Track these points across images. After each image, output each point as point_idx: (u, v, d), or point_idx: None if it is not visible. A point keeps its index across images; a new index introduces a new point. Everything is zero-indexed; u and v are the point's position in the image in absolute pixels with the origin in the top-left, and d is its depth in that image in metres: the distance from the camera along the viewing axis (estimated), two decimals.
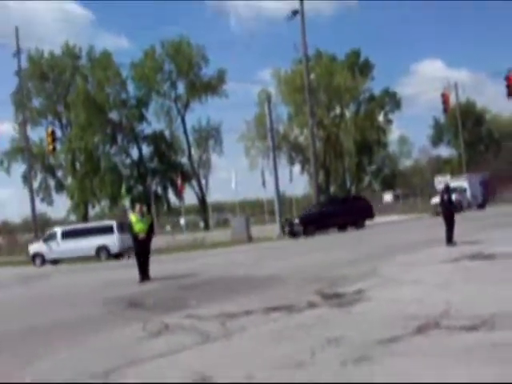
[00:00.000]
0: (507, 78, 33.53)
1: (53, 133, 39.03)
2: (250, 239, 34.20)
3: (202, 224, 72.62)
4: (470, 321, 6.91)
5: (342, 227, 34.47)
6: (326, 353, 6.16)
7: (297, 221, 34.85)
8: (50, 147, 38.64)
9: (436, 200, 41.51)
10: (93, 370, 6.39)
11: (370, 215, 37.26)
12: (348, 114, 76.95)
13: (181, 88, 71.29)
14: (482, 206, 46.50)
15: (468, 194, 46.17)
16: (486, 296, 8.61)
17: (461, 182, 46.64)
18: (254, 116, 71.90)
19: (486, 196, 48.35)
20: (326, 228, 34.51)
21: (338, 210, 34.97)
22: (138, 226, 16.01)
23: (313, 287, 11.13)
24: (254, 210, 61.14)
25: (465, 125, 67.97)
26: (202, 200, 71.65)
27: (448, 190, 19.24)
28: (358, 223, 35.08)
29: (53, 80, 68.35)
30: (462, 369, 5.21)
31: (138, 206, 17.15)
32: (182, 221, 65.38)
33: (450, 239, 17.36)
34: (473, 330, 6.57)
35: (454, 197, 38.25)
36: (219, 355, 6.66)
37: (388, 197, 71.96)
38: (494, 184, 52.09)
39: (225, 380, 5.55)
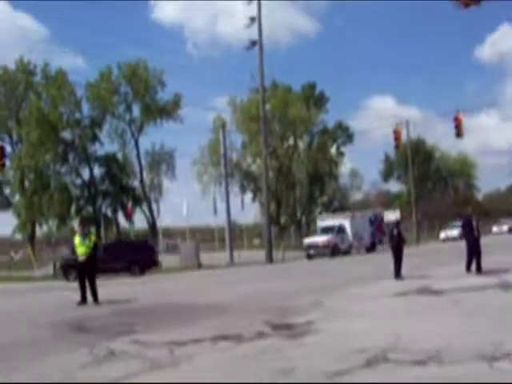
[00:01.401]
0: (455, 119, 34.43)
1: (2, 149, 38.14)
2: (199, 266, 34.01)
3: None
4: (419, 355, 6.96)
5: (118, 272, 30.19)
6: None
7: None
8: None
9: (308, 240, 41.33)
10: None
11: (153, 263, 32.41)
12: (301, 145, 77.81)
13: (136, 111, 70.91)
14: (371, 248, 42.28)
15: (349, 234, 40.74)
16: (434, 330, 8.70)
17: (339, 221, 41.73)
18: (208, 142, 72.04)
19: (378, 237, 43.45)
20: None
21: (118, 254, 30.68)
22: (80, 249, 15.79)
23: (262, 317, 11.07)
24: (204, 237, 60.67)
25: (414, 161, 69.36)
26: (153, 224, 70.95)
27: (398, 224, 19.51)
28: (134, 270, 30.60)
29: (4, 94, 67.08)
30: None
31: (79, 227, 16.96)
32: None
33: (398, 273, 17.57)
34: (421, 364, 6.62)
35: (324, 238, 38.59)
36: (167, 382, 6.54)
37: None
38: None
39: None
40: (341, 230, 39.98)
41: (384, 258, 29.27)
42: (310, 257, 38.06)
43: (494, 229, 66.26)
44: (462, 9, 12.89)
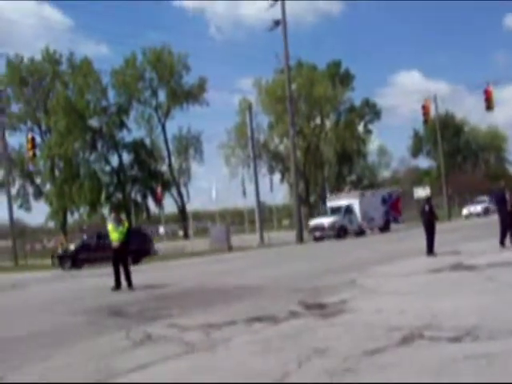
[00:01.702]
0: (485, 92, 33.91)
1: (33, 139, 38.72)
2: (230, 248, 34.16)
3: (181, 233, 72.36)
4: (454, 331, 6.94)
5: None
6: (312, 364, 6.15)
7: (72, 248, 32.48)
8: (30, 153, 38.39)
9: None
10: (77, 381, 6.32)
11: (147, 251, 31.80)
12: (328, 123, 77.39)
13: (162, 96, 71.29)
14: (384, 228, 40.15)
15: (358, 214, 38.59)
16: (468, 307, 8.65)
17: (347, 201, 39.65)
18: (234, 125, 72.05)
19: (393, 216, 41.67)
20: (94, 262, 29.44)
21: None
22: (113, 235, 16.01)
23: (295, 297, 11.13)
24: (233, 219, 60.95)
25: (444, 136, 68.54)
26: (182, 208, 71.44)
27: (429, 200, 19.35)
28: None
29: (32, 85, 67.84)
30: (446, 380, 5.22)
31: (113, 214, 17.19)
32: (162, 229, 65.07)
33: (430, 250, 17.46)
34: (456, 340, 6.60)
35: (330, 219, 36.80)
36: (205, 366, 6.60)
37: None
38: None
39: None
40: (348, 210, 38.10)
41: (403, 236, 29.15)
42: (316, 239, 37.03)
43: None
44: None
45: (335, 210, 38.72)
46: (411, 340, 6.81)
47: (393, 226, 40.96)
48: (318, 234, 37.21)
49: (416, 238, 19.58)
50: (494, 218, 19.23)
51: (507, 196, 18.01)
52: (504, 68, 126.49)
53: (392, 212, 41.41)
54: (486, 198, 54.43)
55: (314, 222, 39.35)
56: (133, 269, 16.64)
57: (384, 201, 41.06)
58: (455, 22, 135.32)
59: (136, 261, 28.72)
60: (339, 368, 5.84)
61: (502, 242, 17.38)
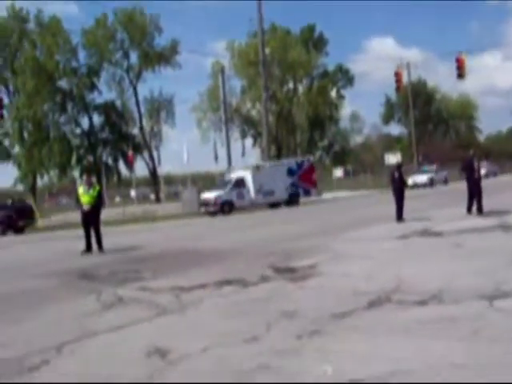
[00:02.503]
0: (457, 60, 34.14)
1: (0, 100, 37.96)
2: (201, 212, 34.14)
3: (152, 196, 72.12)
4: (420, 295, 7.12)
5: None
6: (280, 327, 6.27)
7: None
8: None
9: None
10: (46, 343, 6.36)
11: (31, 219, 32.66)
12: (301, 88, 77.23)
13: (133, 57, 70.18)
14: (290, 202, 35.86)
15: (250, 188, 34.53)
16: (435, 272, 8.85)
17: (237, 174, 35.89)
18: (206, 88, 71.53)
19: (303, 188, 37.29)
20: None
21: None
22: (84, 198, 15.91)
23: (266, 261, 11.25)
24: (205, 184, 60.90)
25: (415, 103, 68.98)
26: (153, 172, 71.07)
27: (399, 167, 19.54)
28: (15, 228, 30.71)
29: None
30: (411, 343, 5.37)
31: (85, 177, 17.08)
32: (133, 193, 64.82)
33: (399, 216, 17.71)
34: (422, 304, 6.78)
35: (213, 194, 32.89)
36: (175, 328, 6.70)
37: (339, 172, 72.55)
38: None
39: (181, 353, 5.60)
40: (238, 184, 34.31)
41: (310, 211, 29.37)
42: (209, 214, 33.16)
43: (410, 181, 52.00)
44: None
45: (225, 184, 35.68)
46: (378, 304, 6.97)
47: (307, 199, 37.72)
48: (204, 209, 33.95)
49: (306, 219, 19.58)
50: (439, 189, 19.49)
51: (475, 164, 18.29)
52: (477, 37, 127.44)
53: (303, 183, 37.32)
54: (433, 167, 53.01)
55: (203, 196, 35.27)
56: (104, 231, 16.59)
57: (291, 172, 36.84)
58: None
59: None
60: (307, 330, 5.97)
61: (469, 209, 17.69)
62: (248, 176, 34.99)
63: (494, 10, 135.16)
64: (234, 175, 36.04)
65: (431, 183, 48.13)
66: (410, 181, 50.32)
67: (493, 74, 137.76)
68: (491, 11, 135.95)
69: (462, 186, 18.78)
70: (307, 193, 37.78)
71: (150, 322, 7.03)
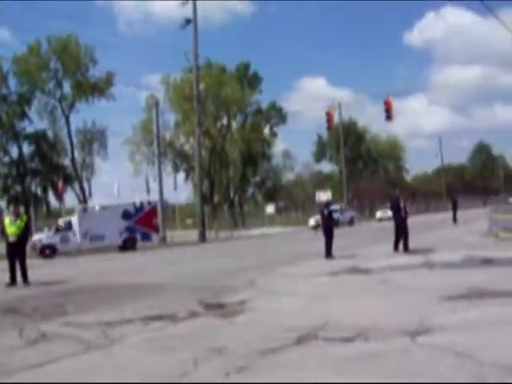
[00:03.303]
0: (386, 102, 35.20)
1: None
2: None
3: None
4: (347, 332, 7.24)
5: None
6: (209, 363, 6.24)
7: None
8: None
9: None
10: None
11: None
12: (235, 125, 77.79)
13: (67, 87, 69.17)
14: (125, 247, 33.04)
15: (77, 232, 31.97)
16: (362, 308, 9.02)
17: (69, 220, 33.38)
18: (140, 121, 71.19)
19: (142, 232, 34.53)
20: None
21: None
22: (10, 229, 15.50)
23: (195, 296, 11.19)
24: None
25: (346, 142, 70.57)
26: (84, 204, 69.81)
27: (328, 205, 19.93)
28: None
29: None
30: (338, 379, 5.44)
31: (12, 208, 16.63)
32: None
33: (328, 252, 17.98)
34: (348, 341, 6.89)
35: (39, 236, 30.00)
36: (100, 365, 6.56)
37: (270, 208, 73.14)
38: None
39: None
40: (65, 227, 32.40)
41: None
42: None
43: (378, 214, 59.32)
44: None
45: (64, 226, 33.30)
46: (307, 340, 7.03)
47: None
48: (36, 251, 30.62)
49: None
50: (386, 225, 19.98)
51: (401, 203, 18.84)
52: (403, 80, 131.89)
53: (141, 227, 34.59)
54: (338, 207, 56.23)
55: (35, 237, 31.25)
56: (30, 264, 16.15)
57: (127, 215, 34.14)
58: (361, 33, 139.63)
59: None
60: (235, 366, 5.96)
61: (396, 247, 18.15)
62: (74, 219, 32.84)
63: (419, 56, 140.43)
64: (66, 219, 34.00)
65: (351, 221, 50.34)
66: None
67: (419, 116, 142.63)
68: (417, 56, 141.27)
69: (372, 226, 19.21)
70: (146, 237, 35.01)
71: (74, 359, 6.85)
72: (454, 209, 36.82)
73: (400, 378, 5.30)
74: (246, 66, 77.83)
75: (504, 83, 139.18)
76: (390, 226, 19.38)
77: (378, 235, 26.63)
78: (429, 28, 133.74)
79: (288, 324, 8.02)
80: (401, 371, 5.54)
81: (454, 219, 35.77)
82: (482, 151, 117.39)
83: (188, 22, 38.65)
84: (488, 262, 13.92)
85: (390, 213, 51.86)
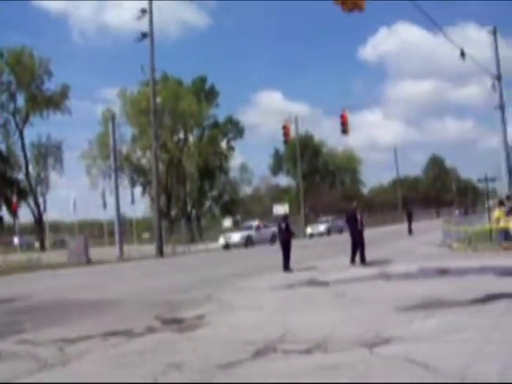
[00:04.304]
0: (341, 116, 35.63)
1: None
2: (88, 261, 33.28)
3: (37, 244, 69.42)
4: (305, 345, 7.29)
5: None
6: (168, 378, 6.21)
7: None
8: None
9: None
10: None
11: None
12: (192, 138, 77.70)
13: (20, 101, 68.20)
14: None
15: None
16: (320, 320, 9.10)
17: None
18: (96, 135, 70.57)
19: None
20: None
21: None
22: None
23: (153, 312, 11.11)
24: (93, 231, 59.54)
25: (303, 156, 71.08)
26: (39, 219, 68.65)
27: (286, 218, 20.06)
28: None
29: None
30: None
31: None
32: (16, 240, 62.09)
33: (286, 266, 18.07)
34: (307, 353, 6.94)
35: None
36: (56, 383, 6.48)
37: (228, 222, 73.09)
38: None
39: None
40: None
41: None
42: None
43: (309, 230, 54.76)
44: (345, 12, 13.46)
45: None
46: (265, 353, 7.06)
47: None
48: None
49: None
50: (335, 239, 20.17)
51: (358, 216, 19.06)
52: (359, 95, 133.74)
53: None
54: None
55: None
56: None
57: None
58: (316, 48, 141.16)
59: None
60: (194, 381, 5.96)
61: (353, 260, 18.34)
62: None
63: (374, 70, 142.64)
64: None
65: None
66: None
67: (374, 130, 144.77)
68: (372, 71, 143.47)
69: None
70: None
71: (30, 377, 6.74)
72: (409, 220, 37.47)
73: None
74: (203, 80, 77.93)
75: (454, 98, 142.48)
76: (346, 239, 19.56)
77: (336, 248, 26.83)
78: (382, 43, 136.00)
79: (246, 337, 8.04)
80: (359, 382, 5.61)
81: (410, 230, 36.35)
82: (436, 164, 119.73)
83: (144, 35, 38.52)
84: (443, 272, 14.18)
85: (321, 228, 51.96)
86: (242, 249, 38.93)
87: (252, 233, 42.31)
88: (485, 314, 8.51)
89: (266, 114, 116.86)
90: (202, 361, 6.85)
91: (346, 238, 20.43)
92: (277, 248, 18.88)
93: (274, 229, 43.05)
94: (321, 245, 33.87)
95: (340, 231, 51.08)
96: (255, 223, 45.36)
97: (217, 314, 10.50)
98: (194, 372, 6.36)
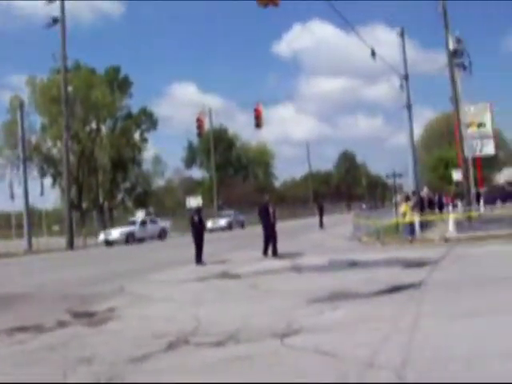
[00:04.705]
0: (255, 110, 35.89)
1: None
2: None
3: None
4: (217, 337, 7.35)
5: None
6: (78, 373, 6.12)
7: None
8: None
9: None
10: None
11: None
12: (104, 129, 76.18)
13: None
14: None
15: None
16: (232, 313, 9.18)
17: None
18: (3, 123, 67.99)
19: None
20: None
21: None
22: None
23: (63, 305, 10.90)
24: (0, 223, 57.45)
25: (217, 149, 71.08)
26: None
27: (199, 211, 20.06)
28: None
29: None
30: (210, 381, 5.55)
31: None
32: None
33: (199, 258, 18.07)
34: (219, 345, 7.01)
35: None
36: None
37: (141, 214, 72.13)
38: None
39: None
40: None
41: None
42: None
43: (209, 224, 46.84)
44: (260, 6, 13.57)
45: None
46: (177, 346, 7.08)
47: None
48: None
49: None
50: (237, 233, 20.29)
51: (270, 209, 19.29)
52: (273, 90, 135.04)
53: None
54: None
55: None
56: None
57: None
58: (231, 41, 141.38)
59: None
60: (105, 376, 5.90)
61: (265, 252, 18.55)
62: None
63: (288, 66, 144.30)
64: None
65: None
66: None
67: (287, 125, 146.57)
68: (286, 66, 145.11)
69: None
70: None
71: None
72: (321, 214, 38.19)
73: (271, 378, 5.48)
74: (116, 70, 76.45)
75: (365, 95, 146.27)
76: (259, 232, 19.75)
77: (245, 241, 27.07)
78: (296, 39, 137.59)
79: (159, 330, 8.02)
80: (271, 372, 5.73)
81: (321, 224, 37.06)
82: (347, 159, 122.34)
83: (55, 21, 37.49)
84: (352, 264, 14.58)
85: (222, 222, 50.05)
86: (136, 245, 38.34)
87: (135, 229, 39.73)
88: (390, 305, 8.84)
89: (181, 106, 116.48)
90: (113, 355, 6.79)
91: (249, 233, 20.67)
92: (165, 244, 18.78)
93: (164, 224, 42.73)
94: (225, 239, 33.96)
95: (242, 225, 50.66)
96: (140, 218, 43.00)
97: (129, 307, 10.42)
98: (104, 366, 6.29)
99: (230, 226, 50.07)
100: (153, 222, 41.85)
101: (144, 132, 79.48)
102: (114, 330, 8.48)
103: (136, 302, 11.03)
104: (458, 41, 26.73)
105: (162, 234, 40.51)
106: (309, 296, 9.95)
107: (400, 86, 26.52)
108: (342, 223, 35.80)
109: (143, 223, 40.63)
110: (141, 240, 38.26)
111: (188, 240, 20.53)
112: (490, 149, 35.53)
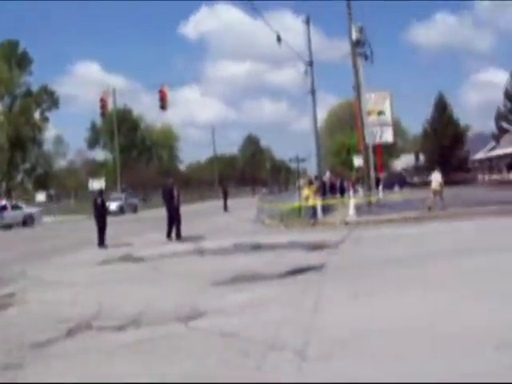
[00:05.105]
0: (160, 92, 35.52)
1: None
2: None
3: None
4: (120, 321, 7.30)
5: None
6: None
7: None
8: None
9: None
10: None
11: None
12: (1, 107, 73.20)
13: None
14: None
15: None
16: (135, 296, 9.12)
17: None
18: None
19: None
20: None
21: None
22: None
23: None
24: None
25: (120, 130, 69.78)
26: None
27: (102, 193, 19.73)
28: None
29: None
30: (109, 368, 5.50)
31: None
32: None
33: (101, 241, 17.78)
34: (121, 329, 6.96)
35: None
36: None
37: (41, 196, 69.94)
38: None
39: None
40: None
41: None
42: None
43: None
44: None
45: None
46: (79, 331, 6.97)
47: None
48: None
49: None
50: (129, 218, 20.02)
51: (175, 192, 19.21)
52: (179, 72, 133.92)
53: None
54: (122, 195, 49.52)
55: None
56: None
57: None
58: (137, 20, 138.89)
59: None
60: (2, 363, 5.74)
61: (169, 235, 18.48)
62: None
63: (194, 48, 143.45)
64: None
65: (121, 210, 45.40)
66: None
67: (193, 107, 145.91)
68: (192, 49, 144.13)
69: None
70: None
71: None
72: (225, 197, 38.38)
73: (173, 361, 5.50)
74: (14, 44, 73.37)
75: (271, 81, 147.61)
76: (163, 215, 19.62)
77: (152, 223, 26.84)
78: (203, 22, 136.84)
79: (60, 315, 7.88)
80: (176, 353, 5.76)
81: (225, 207, 37.27)
82: (251, 143, 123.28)
83: None
84: (256, 247, 14.78)
85: (112, 207, 42.21)
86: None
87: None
88: (293, 286, 9.04)
89: (84, 85, 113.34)
90: (13, 341, 6.61)
91: (142, 216, 20.46)
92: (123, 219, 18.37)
93: (31, 210, 37.70)
94: (137, 221, 33.60)
95: (134, 210, 46.57)
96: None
97: (30, 291, 10.14)
98: (3, 353, 6.11)
99: (121, 210, 44.30)
100: (17, 207, 36.91)
101: (45, 111, 77.00)
102: (14, 315, 8.26)
103: (37, 287, 10.75)
104: (361, 30, 27.32)
105: (26, 222, 35.40)
106: (213, 279, 10.03)
107: (305, 71, 26.91)
108: (246, 207, 36.10)
109: (1, 209, 34.92)
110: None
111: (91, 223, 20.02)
112: (389, 136, 36.56)
